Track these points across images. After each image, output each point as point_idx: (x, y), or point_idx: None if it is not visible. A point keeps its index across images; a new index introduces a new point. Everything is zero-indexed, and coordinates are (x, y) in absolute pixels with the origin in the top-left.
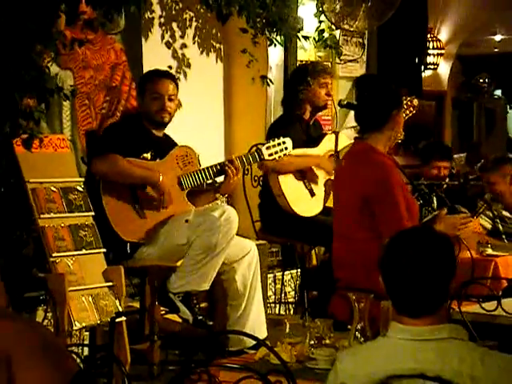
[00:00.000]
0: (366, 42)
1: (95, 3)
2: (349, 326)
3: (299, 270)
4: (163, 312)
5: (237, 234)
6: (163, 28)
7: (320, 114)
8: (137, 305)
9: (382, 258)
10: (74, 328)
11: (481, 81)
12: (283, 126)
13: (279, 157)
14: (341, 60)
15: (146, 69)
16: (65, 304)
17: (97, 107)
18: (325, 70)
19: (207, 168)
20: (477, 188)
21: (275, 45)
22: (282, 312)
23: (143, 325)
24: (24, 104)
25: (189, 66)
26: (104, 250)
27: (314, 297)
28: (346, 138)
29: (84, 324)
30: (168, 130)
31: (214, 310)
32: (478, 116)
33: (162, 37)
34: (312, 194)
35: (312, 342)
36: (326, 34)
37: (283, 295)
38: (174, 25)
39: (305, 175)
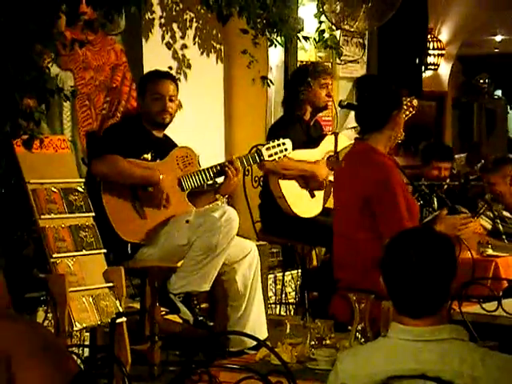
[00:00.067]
0: (366, 42)
1: (96, 4)
2: (349, 327)
3: (300, 271)
4: (164, 313)
5: (237, 235)
6: (163, 29)
7: (320, 114)
8: (137, 305)
9: (382, 259)
10: (75, 329)
11: (481, 81)
12: (283, 126)
13: (279, 158)
14: (341, 60)
15: (146, 69)
16: (65, 305)
17: (97, 108)
18: (325, 71)
19: (207, 169)
20: (477, 188)
21: (275, 45)
22: (283, 313)
23: (144, 325)
24: (24, 105)
25: (189, 66)
26: (104, 250)
27: (314, 297)
28: (346, 138)
29: (84, 325)
30: (168, 131)
31: (214, 310)
32: (478, 116)
33: (163, 37)
34: (312, 194)
35: (312, 343)
36: (326, 35)
37: (284, 296)
38: (175, 25)
39: (304, 178)
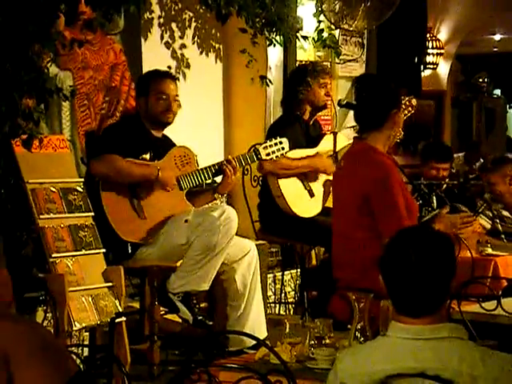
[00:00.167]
0: (365, 41)
1: (95, 3)
2: (349, 326)
3: (299, 270)
4: (163, 312)
5: (236, 234)
6: (162, 28)
7: (319, 114)
8: (137, 305)
9: (381, 258)
10: (74, 328)
11: (480, 80)
12: (283, 126)
13: (276, 156)
14: (340, 60)
15: (145, 69)
16: (64, 304)
17: (96, 107)
18: (324, 71)
19: (205, 168)
20: (476, 187)
21: (274, 45)
22: (282, 312)
23: (143, 325)
24: (23, 104)
25: (188, 66)
26: (104, 250)
27: (313, 297)
28: (345, 138)
29: (84, 324)
30: (167, 131)
31: (213, 310)
32: (477, 115)
33: (162, 37)
34: (311, 194)
35: (312, 342)
36: (325, 34)
37: (283, 295)
38: (174, 25)
39: (304, 176)
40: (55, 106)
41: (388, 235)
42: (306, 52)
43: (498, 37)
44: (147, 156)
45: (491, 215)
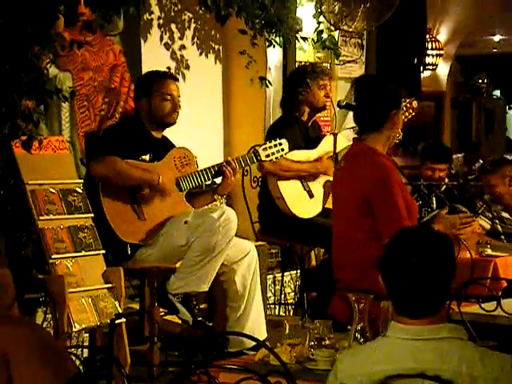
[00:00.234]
0: (364, 42)
1: (94, 5)
2: (348, 327)
3: (299, 271)
4: (163, 313)
5: (236, 235)
6: (162, 29)
7: (319, 115)
8: (136, 306)
9: (381, 258)
10: (74, 330)
11: (480, 81)
12: (282, 127)
13: (276, 158)
14: (340, 61)
15: (144, 70)
16: (64, 306)
17: (96, 108)
18: (323, 72)
19: (205, 169)
20: (476, 188)
21: (274, 46)
22: (282, 313)
23: (143, 326)
24: (23, 105)
25: (187, 67)
26: (103, 251)
27: (313, 298)
28: (345, 139)
29: (83, 326)
30: (167, 132)
31: (213, 311)
32: (477, 116)
33: (161, 38)
34: (311, 195)
35: (312, 343)
36: (324, 35)
37: (283, 296)
38: (173, 26)
39: (303, 177)
40: (55, 107)
41: (388, 236)
42: (306, 53)
43: (497, 38)
44: (147, 157)
45: (491, 216)
